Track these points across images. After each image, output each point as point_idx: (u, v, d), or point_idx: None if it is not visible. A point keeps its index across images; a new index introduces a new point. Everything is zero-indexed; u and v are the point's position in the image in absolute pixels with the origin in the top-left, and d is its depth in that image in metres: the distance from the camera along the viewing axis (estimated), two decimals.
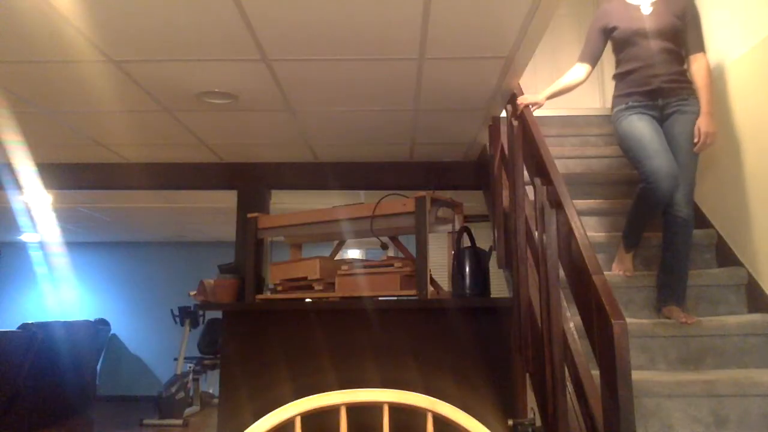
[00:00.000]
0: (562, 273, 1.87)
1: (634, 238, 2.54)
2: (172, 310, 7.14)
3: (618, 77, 2.62)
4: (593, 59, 2.65)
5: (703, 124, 2.44)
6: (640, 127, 2.46)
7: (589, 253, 1.63)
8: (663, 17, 2.50)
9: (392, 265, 2.79)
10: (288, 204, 4.98)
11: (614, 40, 2.61)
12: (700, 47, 2.53)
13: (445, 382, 2.82)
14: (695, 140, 2.43)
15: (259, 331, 2.98)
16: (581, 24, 4.70)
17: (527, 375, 2.43)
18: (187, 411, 6.11)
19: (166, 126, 3.07)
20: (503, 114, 2.85)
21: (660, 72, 2.50)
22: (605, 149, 3.64)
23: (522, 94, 2.58)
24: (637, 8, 2.56)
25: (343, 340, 2.92)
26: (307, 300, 2.96)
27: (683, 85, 2.51)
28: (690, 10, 2.54)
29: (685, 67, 2.55)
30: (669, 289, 2.41)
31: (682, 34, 2.52)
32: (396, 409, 1.07)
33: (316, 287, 2.90)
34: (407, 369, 2.86)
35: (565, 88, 2.63)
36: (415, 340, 2.88)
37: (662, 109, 2.51)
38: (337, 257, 3.14)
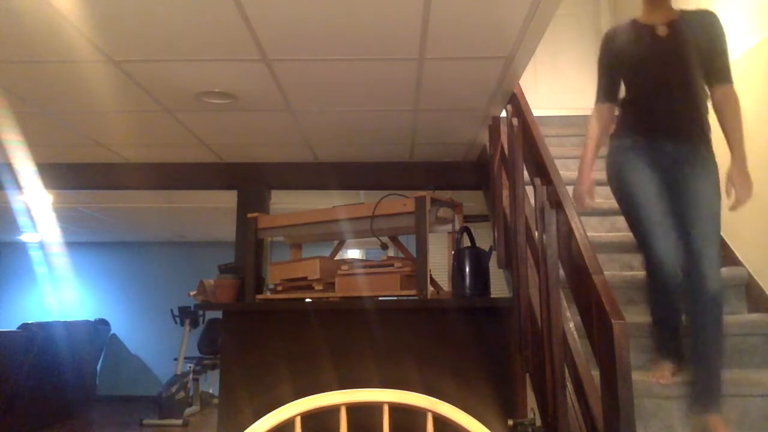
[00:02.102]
0: (562, 273, 1.87)
1: (668, 333, 2.04)
2: (172, 310, 7.14)
3: (622, 106, 2.19)
4: (611, 95, 2.20)
5: (736, 177, 1.95)
6: (641, 185, 2.01)
7: (589, 253, 1.63)
8: (681, 40, 2.03)
9: (392, 265, 2.79)
10: (288, 204, 4.98)
11: (622, 65, 2.14)
12: (727, 77, 2.04)
13: (445, 382, 2.82)
14: (727, 198, 1.97)
15: (259, 331, 2.98)
16: (581, 24, 4.70)
17: (527, 375, 2.43)
18: (187, 411, 6.10)
19: (166, 126, 3.07)
20: (503, 114, 2.85)
21: (674, 108, 2.03)
22: (605, 149, 3.64)
23: (522, 94, 2.58)
24: (650, 30, 2.08)
25: (343, 340, 2.92)
26: (307, 300, 2.96)
27: (703, 126, 2.04)
28: (714, 31, 2.05)
29: (707, 102, 2.09)
30: (701, 387, 1.88)
31: (704, 62, 2.04)
32: (396, 409, 1.07)
33: (316, 287, 2.90)
34: (407, 369, 2.86)
35: (596, 140, 2.20)
36: (415, 340, 2.88)
37: (673, 156, 2.03)
38: (337, 257, 3.14)
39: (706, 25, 2.05)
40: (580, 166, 2.18)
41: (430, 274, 2.76)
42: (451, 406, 1.05)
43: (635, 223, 2.02)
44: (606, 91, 2.22)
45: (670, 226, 1.97)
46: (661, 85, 2.05)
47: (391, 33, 2.10)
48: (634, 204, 2.02)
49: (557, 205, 1.87)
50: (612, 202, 2.95)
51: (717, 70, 2.04)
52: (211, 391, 6.97)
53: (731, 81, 2.04)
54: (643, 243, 1.99)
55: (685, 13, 2.08)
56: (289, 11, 1.94)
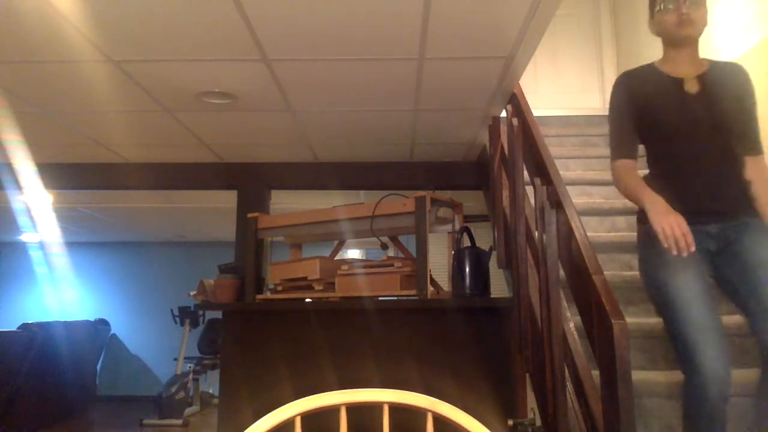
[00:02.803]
0: (562, 273, 1.87)
1: None
2: (172, 310, 7.14)
3: (650, 181, 1.80)
4: (635, 151, 1.86)
5: None
6: (685, 286, 1.65)
7: (589, 253, 1.64)
8: (716, 100, 1.76)
9: (392, 265, 2.79)
10: (288, 204, 4.98)
11: (645, 126, 1.82)
12: (760, 147, 1.82)
13: (445, 382, 2.82)
14: None
15: (259, 331, 2.98)
16: (581, 24, 4.70)
17: (527, 375, 2.43)
18: (187, 411, 6.10)
19: (166, 126, 3.07)
20: (503, 114, 2.85)
21: (716, 182, 1.74)
22: (605, 149, 3.64)
23: (522, 94, 2.58)
24: (678, 83, 1.79)
25: (343, 340, 2.92)
26: (307, 300, 2.96)
27: (750, 198, 1.77)
28: (746, 91, 1.81)
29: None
30: None
31: (741, 126, 1.78)
32: (396, 409, 1.07)
33: (316, 287, 2.90)
34: (407, 369, 2.86)
35: (641, 182, 1.79)
36: (415, 340, 2.88)
37: (718, 238, 1.75)
38: (337, 257, 3.14)
39: (738, 84, 1.80)
40: (647, 202, 1.69)
41: (430, 274, 2.76)
42: (451, 406, 1.05)
43: (678, 332, 1.62)
44: (630, 148, 1.84)
45: (721, 330, 1.62)
46: (698, 155, 1.74)
47: (391, 33, 2.10)
48: (677, 308, 1.63)
49: (557, 205, 1.87)
50: (612, 202, 2.95)
51: (749, 140, 1.80)
52: (211, 391, 6.97)
53: (762, 151, 1.82)
54: (687, 355, 1.59)
55: (714, 66, 1.82)
56: (289, 11, 1.94)
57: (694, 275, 1.66)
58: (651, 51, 3.84)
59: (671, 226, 1.58)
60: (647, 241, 1.75)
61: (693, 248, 1.55)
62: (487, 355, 2.84)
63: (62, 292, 7.91)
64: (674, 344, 1.66)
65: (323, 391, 1.06)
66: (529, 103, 2.53)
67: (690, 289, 1.64)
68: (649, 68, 1.88)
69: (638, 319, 2.35)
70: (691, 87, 1.79)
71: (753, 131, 1.80)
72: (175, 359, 6.72)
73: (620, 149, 1.84)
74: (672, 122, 1.76)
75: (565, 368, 1.83)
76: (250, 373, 2.95)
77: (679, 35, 1.78)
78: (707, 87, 1.79)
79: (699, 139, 1.75)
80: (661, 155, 1.82)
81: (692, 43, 1.81)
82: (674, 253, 1.57)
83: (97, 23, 2.01)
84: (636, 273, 2.55)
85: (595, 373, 1.62)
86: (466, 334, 2.86)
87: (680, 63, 1.82)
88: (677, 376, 2.02)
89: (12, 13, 1.94)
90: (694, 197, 1.74)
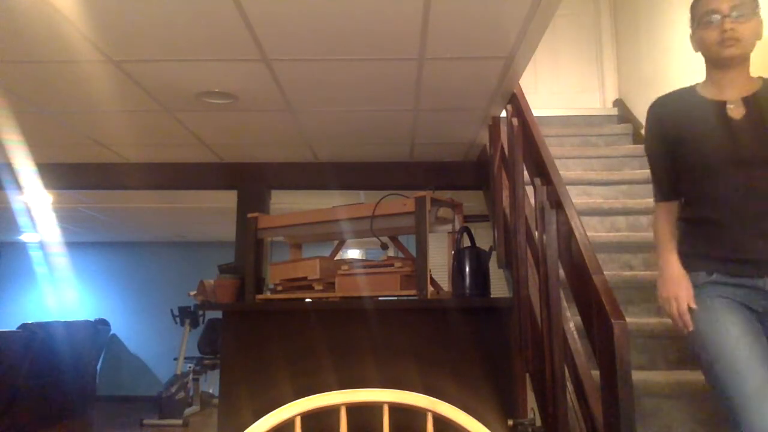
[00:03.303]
0: (562, 273, 1.87)
1: None
2: (172, 310, 7.14)
3: (688, 225, 1.62)
4: (676, 191, 1.65)
5: None
6: (733, 332, 1.47)
7: (589, 253, 1.64)
8: (763, 126, 1.50)
9: (392, 265, 2.79)
10: (288, 204, 4.98)
11: (680, 160, 1.60)
12: None
13: (445, 382, 2.82)
14: None
15: (259, 331, 2.98)
16: (581, 24, 4.70)
17: (527, 375, 2.43)
18: (187, 411, 6.11)
19: (166, 126, 3.07)
20: (503, 114, 2.85)
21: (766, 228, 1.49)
22: (605, 149, 3.64)
23: (522, 94, 2.58)
24: (719, 108, 1.55)
25: (343, 340, 2.92)
26: (307, 300, 2.96)
27: None
28: None
29: None
30: None
31: None
32: (396, 409, 1.07)
33: (316, 287, 2.90)
34: (407, 369, 2.86)
35: (669, 237, 1.64)
36: (415, 340, 2.88)
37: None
38: (337, 257, 3.14)
39: None
40: (661, 260, 1.59)
41: (430, 274, 2.76)
42: (451, 406, 1.05)
43: (727, 376, 1.44)
44: (667, 188, 1.65)
45: None
46: (745, 193, 1.48)
47: (391, 33, 2.10)
48: (728, 356, 1.45)
49: (557, 205, 1.87)
50: (612, 202, 2.95)
51: None
52: (211, 391, 6.97)
53: None
54: (740, 418, 1.41)
55: (766, 85, 1.56)
56: (289, 11, 1.94)
57: (744, 321, 1.47)
58: (651, 52, 3.85)
59: (670, 301, 1.53)
60: (693, 273, 1.57)
61: (690, 327, 1.49)
62: (487, 355, 2.84)
63: (62, 292, 7.91)
64: (720, 400, 1.46)
65: (323, 391, 1.06)
66: (529, 103, 2.53)
67: (742, 339, 1.44)
68: (688, 92, 1.62)
69: (638, 319, 2.35)
70: (736, 112, 1.52)
71: None
72: (175, 359, 6.72)
73: (657, 191, 1.67)
74: (711, 154, 1.51)
75: (565, 368, 1.83)
76: (250, 373, 2.95)
77: (722, 56, 1.51)
78: (755, 110, 1.51)
79: (745, 174, 1.48)
80: (699, 195, 1.56)
81: (740, 63, 1.53)
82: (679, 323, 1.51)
83: (97, 23, 2.01)
84: (636, 273, 2.55)
85: (595, 373, 1.62)
86: (466, 334, 2.86)
87: (725, 86, 1.56)
88: (677, 376, 2.02)
89: (12, 13, 1.94)
90: (740, 244, 1.49)
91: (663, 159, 1.64)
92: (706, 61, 1.59)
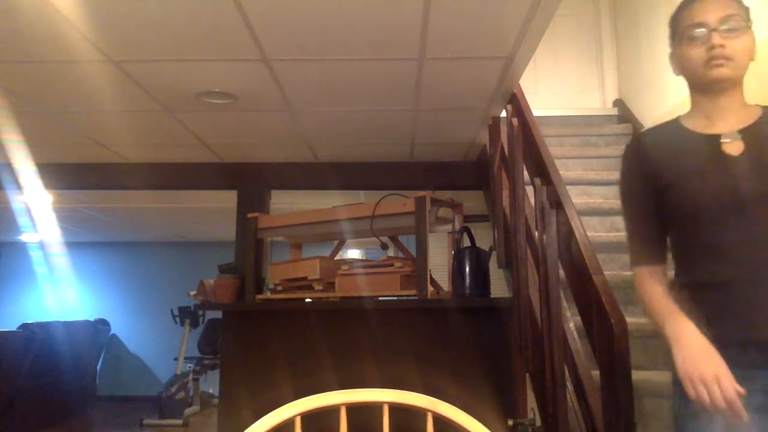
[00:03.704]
0: (562, 273, 1.87)
1: None
2: (172, 310, 7.14)
3: (680, 294, 1.27)
4: (654, 252, 1.31)
5: None
6: None
7: (589, 253, 1.64)
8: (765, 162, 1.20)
9: (392, 265, 2.79)
10: (288, 204, 4.98)
11: (668, 211, 1.29)
12: None
13: (445, 382, 2.82)
14: None
15: (259, 331, 2.98)
16: (581, 24, 4.70)
17: (527, 375, 2.43)
18: (187, 411, 6.10)
19: (166, 126, 3.07)
20: (503, 114, 2.85)
21: None
22: (605, 149, 3.64)
23: (522, 94, 2.58)
24: (712, 143, 1.25)
25: (343, 340, 2.92)
26: (307, 300, 2.96)
27: None
28: None
29: None
30: None
31: None
32: (396, 409, 1.07)
33: (316, 287, 2.90)
34: (407, 369, 2.86)
35: (666, 298, 1.25)
36: (415, 340, 2.88)
37: None
38: (337, 257, 3.14)
39: None
40: (671, 330, 1.18)
41: (430, 274, 2.76)
42: (451, 406, 1.05)
43: None
44: (651, 248, 1.30)
45: None
46: (754, 247, 1.17)
47: (391, 33, 2.10)
48: None
49: (557, 205, 1.87)
50: (612, 202, 2.95)
51: None
52: (211, 391, 6.97)
53: None
54: None
55: (766, 114, 1.27)
56: (289, 11, 1.94)
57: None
58: (651, 52, 3.85)
59: (708, 383, 1.06)
60: (678, 393, 1.18)
61: (743, 415, 1.04)
62: (487, 355, 2.84)
63: (62, 292, 7.91)
64: None
65: (323, 391, 1.06)
66: (529, 103, 2.53)
67: None
68: (672, 126, 1.32)
69: (638, 319, 2.35)
70: (733, 147, 1.22)
71: None
72: (175, 359, 6.72)
73: (637, 251, 1.30)
74: (708, 199, 1.19)
75: (565, 368, 1.83)
76: (250, 373, 2.95)
77: (710, 77, 1.22)
78: (756, 144, 1.21)
79: (751, 223, 1.16)
80: (694, 251, 1.23)
81: (732, 87, 1.24)
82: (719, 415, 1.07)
83: (97, 23, 2.00)
84: None
85: (595, 373, 1.62)
86: (466, 334, 2.86)
87: (717, 116, 1.26)
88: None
89: (12, 13, 1.94)
90: (752, 318, 1.13)
91: (645, 208, 1.29)
92: (691, 87, 1.29)
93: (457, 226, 2.93)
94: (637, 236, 1.31)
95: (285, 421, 1.02)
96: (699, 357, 1.10)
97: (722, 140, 1.24)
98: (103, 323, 7.46)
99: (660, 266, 1.29)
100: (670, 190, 1.25)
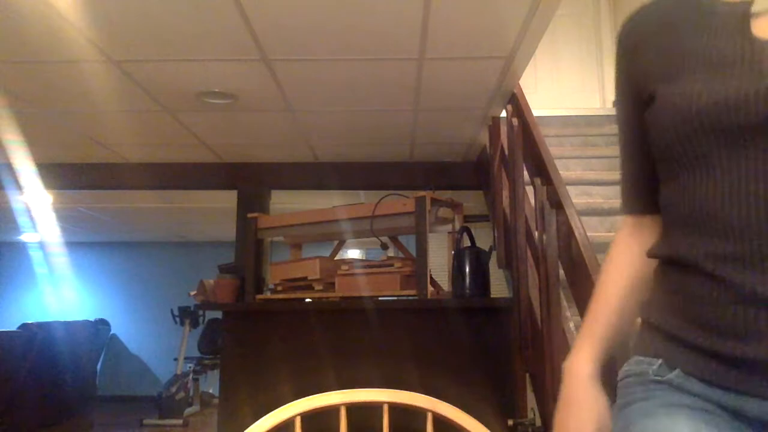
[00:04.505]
0: (562, 273, 1.87)
1: None
2: (172, 310, 7.14)
3: (662, 272, 0.80)
4: (642, 199, 0.87)
5: None
6: None
7: (589, 253, 1.63)
8: None
9: (392, 265, 2.79)
10: (288, 204, 4.98)
11: (654, 133, 0.76)
12: None
13: (445, 382, 2.82)
14: None
15: (259, 330, 2.98)
16: (581, 24, 4.70)
17: (527, 375, 2.43)
18: (187, 411, 6.10)
19: (166, 126, 3.07)
20: (503, 114, 2.85)
21: None
22: (605, 149, 3.64)
23: (522, 94, 2.58)
24: (741, 21, 0.70)
25: (343, 340, 2.92)
26: (307, 300, 2.96)
27: None
28: None
29: None
30: None
31: None
32: (396, 409, 1.07)
33: (316, 287, 2.90)
34: (407, 369, 2.85)
35: (612, 304, 0.88)
36: (415, 340, 2.88)
37: None
38: (337, 257, 3.14)
39: None
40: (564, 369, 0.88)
41: (430, 274, 2.76)
42: (451, 406, 1.05)
43: None
44: (643, 189, 0.87)
45: None
46: None
47: (391, 33, 2.10)
48: None
49: (557, 205, 1.87)
50: (613, 202, 2.95)
51: None
52: (211, 391, 6.97)
53: None
54: None
55: None
56: (289, 11, 1.94)
57: None
58: None
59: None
60: (644, 359, 0.79)
61: None
62: (487, 355, 2.83)
63: (62, 292, 7.91)
64: None
65: (323, 391, 1.06)
66: (529, 103, 2.53)
67: None
68: None
69: (638, 318, 2.35)
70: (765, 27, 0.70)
71: None
72: (175, 359, 6.72)
73: (623, 193, 0.90)
74: (708, 124, 0.68)
75: None
76: (250, 373, 2.95)
77: None
78: None
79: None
80: (683, 214, 0.74)
81: None
82: None
83: (97, 23, 2.00)
84: None
85: None
86: (466, 334, 2.86)
87: None
88: None
89: (12, 13, 1.94)
90: (743, 316, 0.67)
91: (631, 130, 0.85)
92: None
93: (457, 226, 2.93)
94: (622, 171, 0.90)
95: (285, 421, 1.02)
96: (562, 406, 0.85)
97: (753, 11, 0.70)
98: (103, 323, 7.45)
99: (648, 217, 0.87)
100: (654, 104, 0.74)
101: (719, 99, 0.66)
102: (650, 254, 0.83)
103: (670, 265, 0.78)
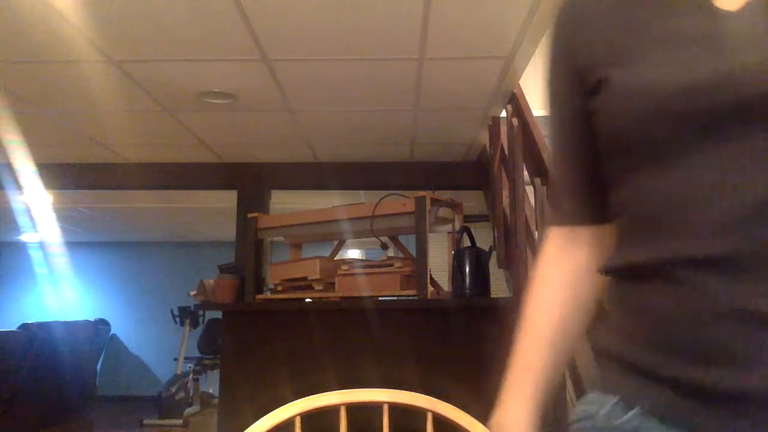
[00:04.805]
0: None
1: None
2: (172, 310, 7.13)
3: (619, 286, 0.67)
4: (580, 206, 0.74)
5: None
6: None
7: None
8: None
9: (392, 265, 2.79)
10: (288, 204, 4.98)
11: (604, 124, 0.64)
12: None
13: (445, 382, 2.82)
14: None
15: (259, 331, 2.98)
16: None
17: None
18: (187, 411, 6.10)
19: (166, 126, 3.07)
20: (503, 114, 2.85)
21: None
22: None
23: (522, 94, 2.58)
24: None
25: (343, 340, 2.92)
26: (307, 300, 2.96)
27: None
28: None
29: None
30: None
31: None
32: (396, 409, 1.07)
33: (316, 287, 2.90)
34: (407, 369, 2.85)
35: (539, 345, 0.76)
36: (415, 340, 2.88)
37: None
38: (337, 257, 3.14)
39: None
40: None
41: (430, 274, 2.76)
42: (451, 406, 1.05)
43: None
44: (582, 186, 0.73)
45: None
46: (748, 209, 0.53)
47: (391, 33, 2.10)
48: None
49: None
50: None
51: None
52: (211, 391, 6.97)
53: None
54: None
55: None
56: (289, 11, 1.94)
57: None
58: None
59: None
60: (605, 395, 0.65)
61: None
62: (487, 355, 2.83)
63: (62, 292, 7.91)
64: None
65: (323, 391, 1.06)
66: (529, 103, 2.53)
67: None
68: None
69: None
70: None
71: None
72: (175, 359, 6.72)
73: (558, 194, 0.77)
74: (667, 111, 0.57)
75: (565, 368, 1.83)
76: (250, 373, 2.95)
77: None
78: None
79: (758, 156, 0.53)
80: (639, 213, 0.62)
81: None
82: None
83: (97, 23, 2.00)
84: None
85: None
86: (466, 334, 2.86)
87: None
88: None
89: (12, 13, 1.94)
90: (750, 346, 0.52)
91: (569, 122, 0.72)
92: None
93: (457, 226, 2.93)
94: (557, 174, 0.76)
95: (285, 421, 1.02)
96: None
97: None
98: (103, 323, 7.45)
99: (586, 229, 0.73)
100: (606, 91, 0.62)
101: (686, 82, 0.56)
102: (603, 269, 0.69)
103: (628, 280, 0.64)
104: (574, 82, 0.68)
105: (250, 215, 3.18)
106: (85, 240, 7.78)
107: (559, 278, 0.75)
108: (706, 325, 0.53)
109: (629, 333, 0.62)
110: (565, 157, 0.74)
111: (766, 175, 0.53)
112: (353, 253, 7.20)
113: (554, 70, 0.73)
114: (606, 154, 0.66)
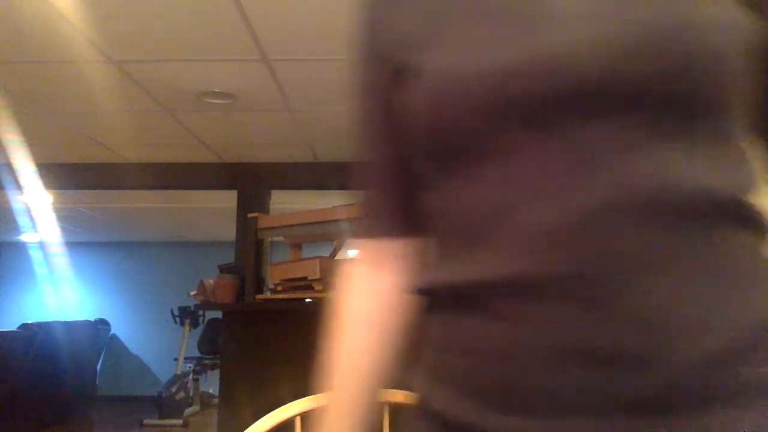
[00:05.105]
0: None
1: None
2: (172, 310, 7.13)
3: (436, 309, 0.53)
4: (395, 219, 0.64)
5: None
6: None
7: None
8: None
9: None
10: (288, 204, 4.98)
11: (419, 120, 0.52)
12: None
13: None
14: None
15: (259, 331, 2.98)
16: None
17: None
18: (187, 411, 6.10)
19: (166, 126, 3.07)
20: None
21: (654, 287, 0.42)
22: None
23: None
24: None
25: None
26: (307, 300, 2.96)
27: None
28: None
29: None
30: None
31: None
32: (396, 408, 1.07)
33: (316, 287, 2.90)
34: (407, 369, 2.85)
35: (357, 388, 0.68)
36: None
37: None
38: (337, 257, 3.14)
39: None
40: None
41: None
42: None
43: None
44: (397, 192, 0.65)
45: None
46: (608, 205, 0.42)
47: None
48: None
49: None
50: None
51: None
52: (211, 391, 6.97)
53: None
54: None
55: None
56: (289, 11, 1.94)
57: None
58: None
59: None
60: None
61: None
62: None
63: (62, 292, 7.91)
64: None
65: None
66: None
67: None
68: None
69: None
70: None
71: None
72: (175, 359, 6.72)
73: (369, 203, 0.72)
74: (507, 81, 0.45)
75: None
76: (250, 373, 2.95)
77: None
78: None
79: (605, 136, 0.43)
80: (468, 204, 0.49)
81: None
82: None
83: (97, 23, 2.00)
84: None
85: None
86: None
87: None
88: None
89: (12, 13, 1.94)
90: (568, 331, 0.42)
91: (380, 113, 0.67)
92: None
93: None
94: (367, 179, 0.71)
95: (285, 421, 1.02)
96: None
97: None
98: (103, 323, 7.46)
99: (402, 242, 0.64)
100: (410, 80, 0.54)
101: (499, 67, 0.45)
102: (415, 289, 0.58)
103: (436, 306, 0.53)
104: (383, 71, 0.60)
105: (250, 215, 3.18)
106: (85, 240, 7.78)
107: (381, 302, 0.63)
108: (520, 366, 0.44)
109: (443, 375, 0.50)
110: (374, 157, 0.66)
111: (600, 174, 0.42)
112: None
113: (362, 57, 0.67)
114: (417, 153, 0.55)
